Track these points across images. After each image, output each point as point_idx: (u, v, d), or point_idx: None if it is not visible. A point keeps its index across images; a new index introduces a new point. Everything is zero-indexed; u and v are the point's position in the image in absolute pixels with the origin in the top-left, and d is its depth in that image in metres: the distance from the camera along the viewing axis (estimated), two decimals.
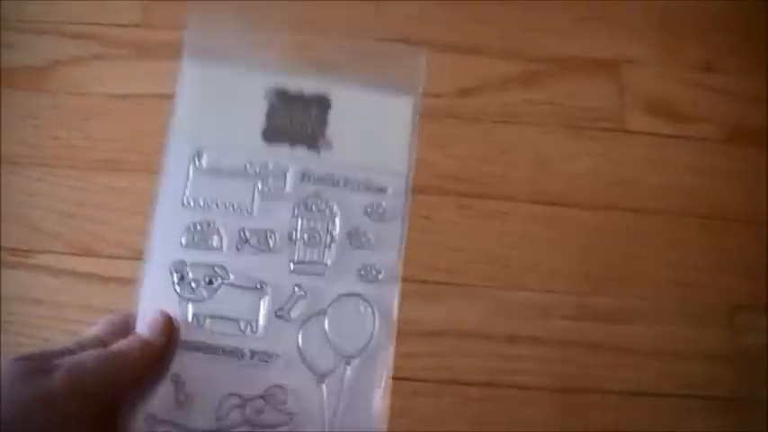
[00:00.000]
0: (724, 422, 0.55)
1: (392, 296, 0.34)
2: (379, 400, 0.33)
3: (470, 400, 0.55)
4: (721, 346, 0.57)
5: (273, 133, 0.35)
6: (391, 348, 0.33)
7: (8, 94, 0.61)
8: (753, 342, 0.57)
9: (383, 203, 0.35)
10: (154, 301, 0.33)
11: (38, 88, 0.61)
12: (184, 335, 0.33)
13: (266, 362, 0.33)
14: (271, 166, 0.35)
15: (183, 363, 0.32)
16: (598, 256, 0.59)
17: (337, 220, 0.35)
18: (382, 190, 0.35)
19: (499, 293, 0.57)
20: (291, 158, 0.35)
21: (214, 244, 0.34)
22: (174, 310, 0.33)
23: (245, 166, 0.35)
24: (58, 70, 0.62)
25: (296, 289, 0.34)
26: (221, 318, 0.33)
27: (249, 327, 0.33)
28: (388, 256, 0.35)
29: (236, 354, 0.33)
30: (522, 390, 0.55)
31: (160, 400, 0.32)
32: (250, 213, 0.35)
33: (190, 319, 0.33)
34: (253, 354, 0.33)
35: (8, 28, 0.62)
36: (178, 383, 0.32)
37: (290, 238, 0.34)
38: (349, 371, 0.33)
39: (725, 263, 0.59)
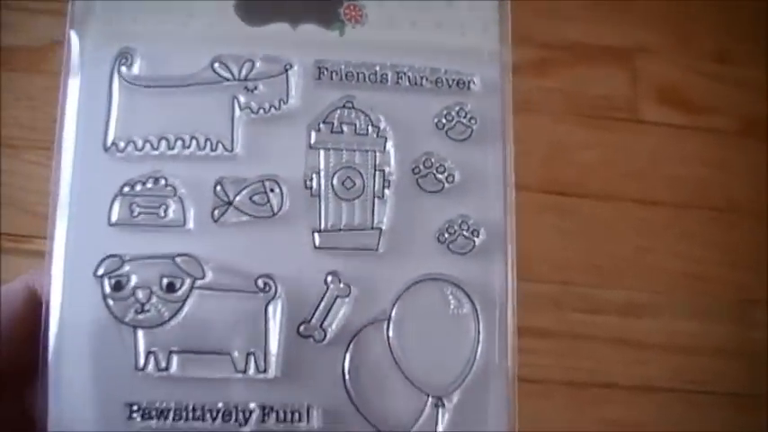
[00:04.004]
0: (734, 418, 0.55)
1: (504, 272, 0.20)
2: None
3: None
4: (732, 341, 0.56)
5: (257, 3, 0.20)
6: (511, 368, 0.20)
7: (4, 76, 0.59)
8: (764, 337, 0.56)
9: (468, 106, 0.20)
10: (74, 327, 0.18)
11: (34, 69, 0.59)
12: (133, 393, 0.18)
13: (291, 422, 0.18)
14: (258, 63, 0.20)
15: None
16: (610, 247, 0.58)
17: (390, 146, 0.20)
18: (464, 83, 0.20)
19: None
20: (295, 44, 0.20)
21: (170, 215, 0.19)
22: (108, 343, 0.18)
23: (213, 67, 0.20)
24: (55, 51, 0.60)
25: (329, 281, 0.19)
26: (198, 352, 0.18)
27: (252, 362, 0.19)
28: (489, 199, 0.20)
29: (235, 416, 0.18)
30: (531, 383, 0.54)
31: None
32: (230, 152, 0.20)
33: (142, 360, 0.18)
34: (265, 413, 0.18)
35: (3, 7, 0.60)
36: None
37: (308, 188, 0.19)
38: (444, 418, 0.19)
39: (737, 257, 0.58)
